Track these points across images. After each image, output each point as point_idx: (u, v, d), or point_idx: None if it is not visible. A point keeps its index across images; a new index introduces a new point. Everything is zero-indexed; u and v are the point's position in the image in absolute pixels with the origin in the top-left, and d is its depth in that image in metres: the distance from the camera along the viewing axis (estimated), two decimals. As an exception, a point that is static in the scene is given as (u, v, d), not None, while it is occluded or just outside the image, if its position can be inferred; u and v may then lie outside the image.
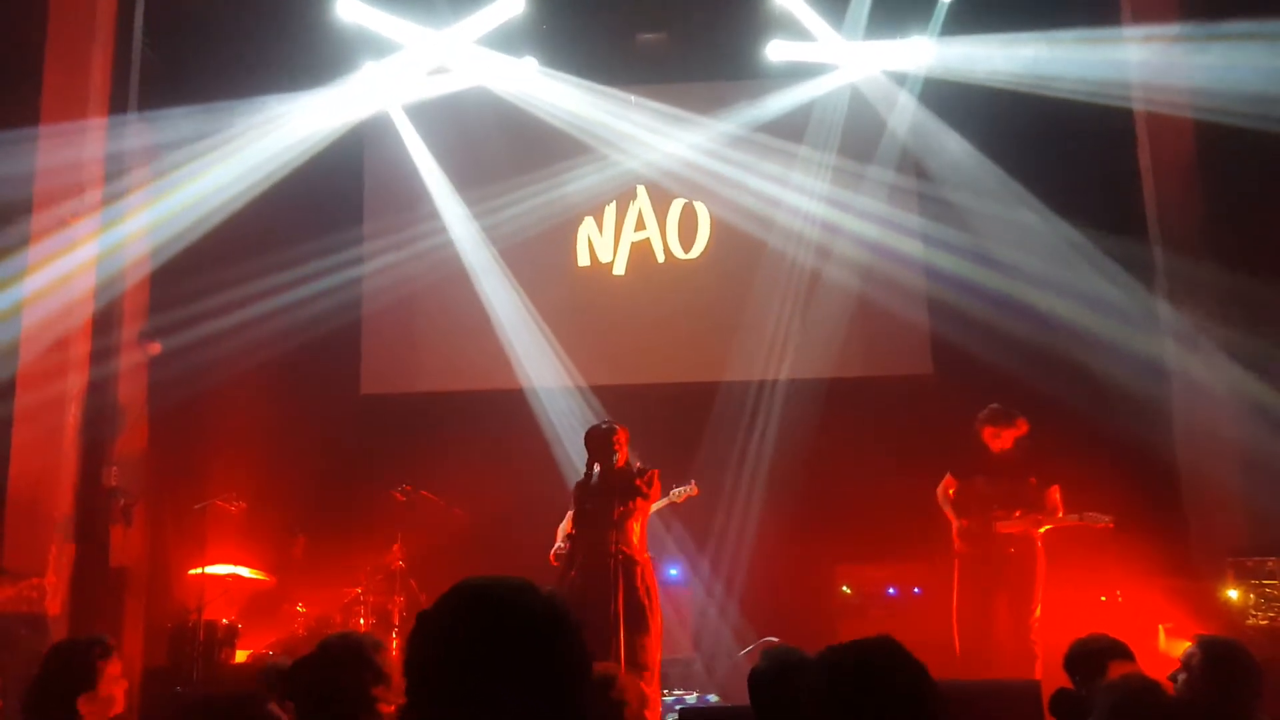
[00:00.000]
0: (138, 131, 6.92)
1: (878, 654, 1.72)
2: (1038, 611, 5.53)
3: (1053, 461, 5.79)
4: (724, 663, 6.69)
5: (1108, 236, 6.83)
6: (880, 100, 7.75)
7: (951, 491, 5.91)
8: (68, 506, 6.45)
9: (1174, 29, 6.47)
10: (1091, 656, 2.99)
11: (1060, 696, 2.93)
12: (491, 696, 1.25)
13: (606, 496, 5.15)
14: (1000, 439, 5.72)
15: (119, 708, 2.97)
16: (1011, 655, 5.46)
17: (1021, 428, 5.71)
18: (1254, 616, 5.32)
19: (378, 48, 7.53)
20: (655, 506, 5.63)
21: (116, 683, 2.94)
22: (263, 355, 7.15)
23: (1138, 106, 6.85)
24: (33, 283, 6.35)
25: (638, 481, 5.23)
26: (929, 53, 7.43)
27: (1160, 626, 5.47)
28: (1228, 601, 5.46)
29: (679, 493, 5.93)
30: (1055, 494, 5.71)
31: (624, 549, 5.07)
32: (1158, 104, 6.66)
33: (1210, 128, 6.23)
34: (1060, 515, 5.61)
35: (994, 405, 5.83)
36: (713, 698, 6.26)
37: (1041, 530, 5.63)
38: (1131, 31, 6.83)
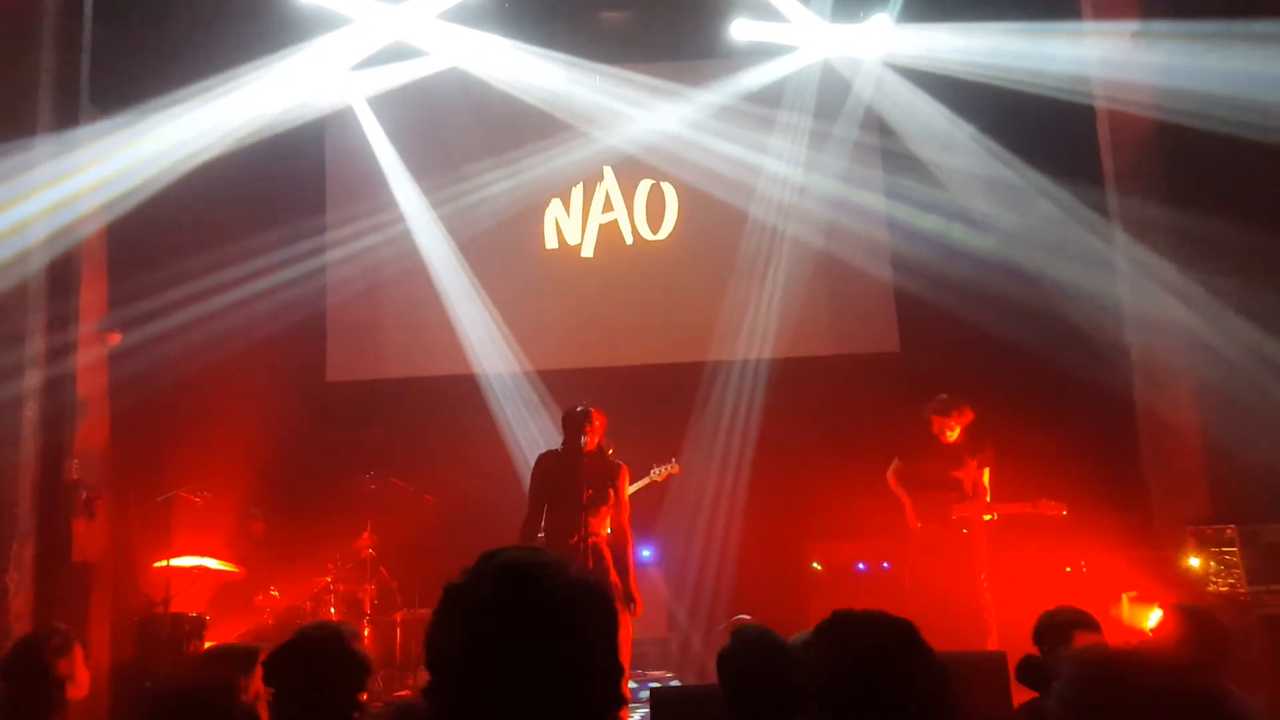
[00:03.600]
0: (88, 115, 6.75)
1: (871, 627, 1.72)
2: (986, 586, 5.65)
3: (995, 448, 5.93)
4: (697, 641, 6.75)
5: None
6: (844, 66, 7.76)
7: (900, 474, 6.05)
8: (28, 501, 6.31)
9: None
10: (1058, 628, 3.05)
11: (1026, 664, 2.99)
12: (526, 675, 1.20)
13: (575, 480, 5.12)
14: (947, 428, 5.85)
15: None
16: (965, 627, 5.56)
17: (968, 416, 5.85)
18: (1214, 583, 5.45)
19: (337, 24, 7.39)
20: (635, 487, 5.62)
21: (73, 679, 2.92)
22: (226, 347, 7.05)
23: (1100, 104, 6.89)
24: None
25: (611, 478, 5.18)
26: (890, 37, 7.45)
27: (1124, 595, 5.59)
28: (1189, 569, 5.58)
29: (660, 471, 5.92)
30: (984, 478, 5.88)
31: (591, 536, 5.04)
32: (1119, 99, 6.69)
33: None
34: (1014, 503, 5.80)
35: (942, 396, 5.95)
36: (674, 680, 6.29)
37: (987, 519, 5.77)
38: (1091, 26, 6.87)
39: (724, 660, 2.54)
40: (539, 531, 5.26)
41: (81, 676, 2.94)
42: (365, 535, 6.58)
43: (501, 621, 1.22)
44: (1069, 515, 5.74)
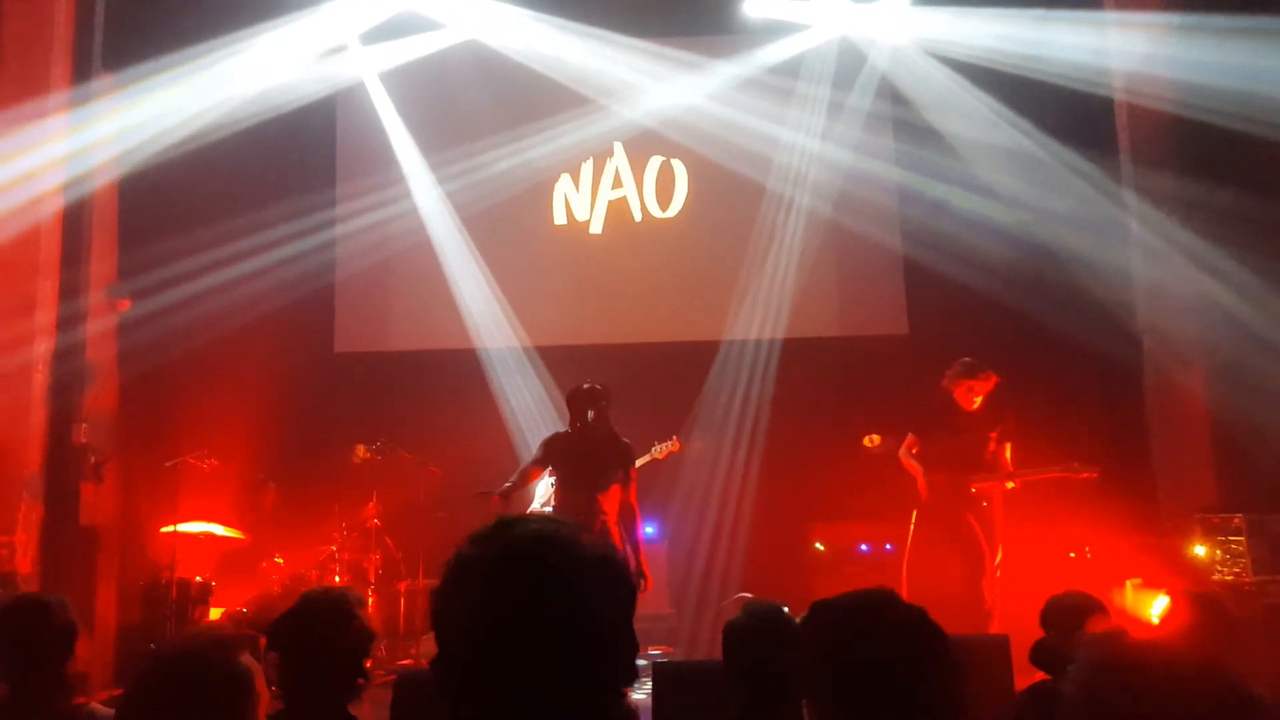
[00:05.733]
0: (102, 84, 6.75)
1: (870, 605, 1.70)
2: (998, 567, 5.59)
3: (1016, 419, 5.83)
4: (699, 619, 6.77)
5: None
6: (860, 40, 7.67)
7: (915, 450, 5.95)
8: (37, 464, 6.36)
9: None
10: (1068, 612, 3.03)
11: (1041, 646, 2.98)
12: (538, 650, 1.16)
13: (588, 458, 5.12)
14: (973, 392, 5.73)
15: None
16: (964, 610, 5.53)
17: (992, 380, 5.73)
18: (1220, 572, 5.43)
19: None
20: (638, 463, 5.62)
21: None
22: (235, 316, 7.05)
23: (1120, 97, 6.81)
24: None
25: (622, 457, 5.18)
26: (906, 18, 7.36)
27: (1128, 582, 5.57)
28: (1195, 557, 5.57)
29: (661, 449, 5.91)
30: (1006, 453, 5.77)
31: (601, 514, 5.04)
32: (1138, 91, 6.61)
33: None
34: (1040, 467, 5.65)
35: (965, 359, 5.81)
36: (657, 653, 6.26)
37: (1009, 486, 5.67)
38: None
39: (730, 633, 2.52)
40: (517, 490, 5.28)
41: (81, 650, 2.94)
42: (371, 505, 6.61)
43: (514, 595, 1.17)
44: (1076, 499, 5.68)
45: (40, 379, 6.41)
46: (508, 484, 5.33)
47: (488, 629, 1.17)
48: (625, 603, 1.24)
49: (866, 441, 6.67)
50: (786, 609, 2.57)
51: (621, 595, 1.23)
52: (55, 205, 6.54)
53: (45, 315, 6.45)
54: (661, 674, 3.70)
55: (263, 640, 2.72)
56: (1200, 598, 3.07)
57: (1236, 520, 5.46)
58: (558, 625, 1.17)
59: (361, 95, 7.80)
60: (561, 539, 1.22)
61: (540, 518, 1.28)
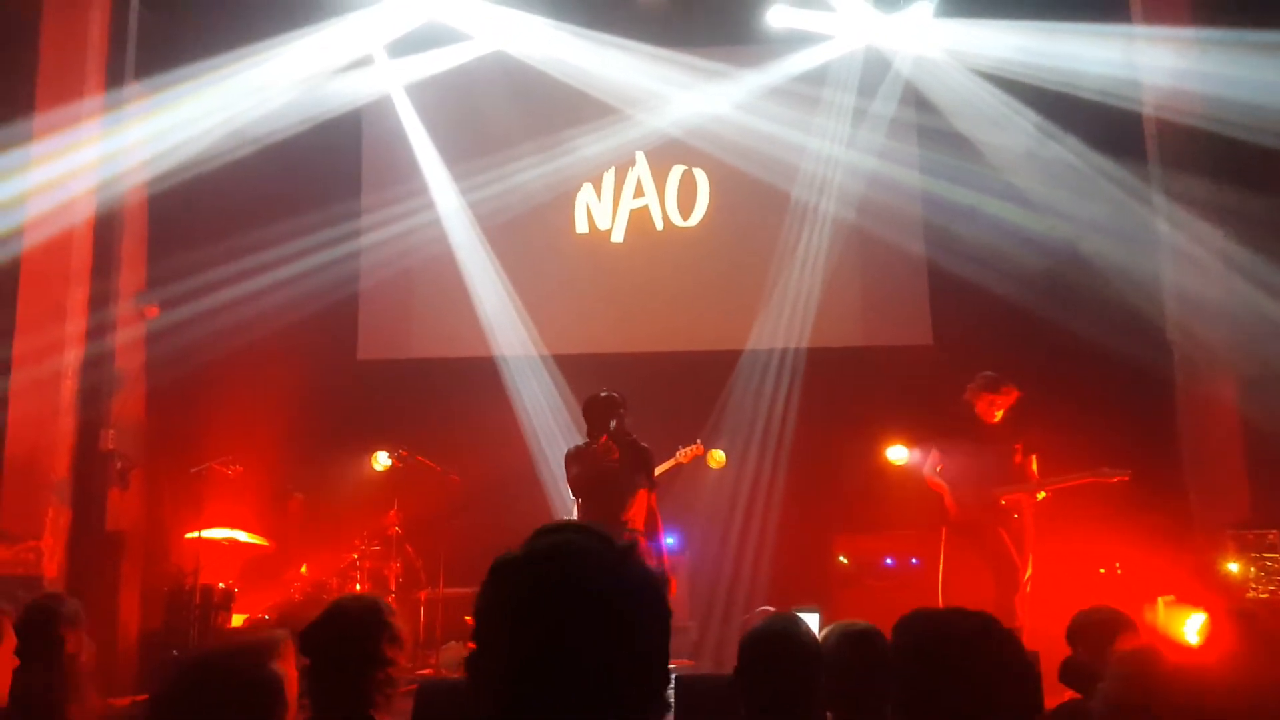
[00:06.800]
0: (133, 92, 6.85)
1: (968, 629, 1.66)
2: (1029, 581, 5.51)
3: (1039, 431, 5.76)
4: (724, 631, 6.71)
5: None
6: (884, 48, 7.63)
7: (940, 467, 5.89)
8: (64, 470, 6.43)
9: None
10: (1096, 627, 2.98)
11: (1070, 664, 2.93)
12: (563, 664, 1.12)
13: (607, 469, 5.10)
14: (994, 406, 5.68)
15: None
16: None
17: (1014, 394, 5.68)
18: (1254, 589, 5.33)
19: (376, 4, 7.40)
20: (661, 469, 5.60)
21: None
22: (261, 325, 7.11)
23: (1148, 112, 6.73)
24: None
25: (643, 464, 5.16)
26: (929, 30, 7.32)
27: (1160, 599, 5.47)
28: (1228, 574, 5.46)
29: (685, 452, 5.89)
30: (1032, 465, 5.69)
31: (630, 524, 5.02)
32: (1168, 106, 6.53)
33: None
34: (1069, 474, 5.56)
35: (987, 373, 5.77)
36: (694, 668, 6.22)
37: (1040, 497, 5.59)
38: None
39: (746, 645, 2.48)
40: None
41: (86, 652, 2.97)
42: (392, 513, 6.62)
43: (540, 606, 1.14)
44: (1105, 514, 5.60)
45: (69, 386, 6.48)
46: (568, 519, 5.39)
47: (509, 635, 1.15)
48: (656, 628, 1.19)
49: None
50: (817, 614, 2.53)
51: (651, 619, 1.18)
52: (87, 215, 6.63)
53: (75, 323, 6.53)
54: (683, 686, 3.67)
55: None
56: (1244, 615, 3.00)
57: (1271, 536, 5.37)
58: (579, 641, 1.13)
59: (387, 107, 7.86)
60: (595, 554, 1.18)
61: (585, 529, 1.23)
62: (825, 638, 2.53)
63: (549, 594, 1.15)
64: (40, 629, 2.94)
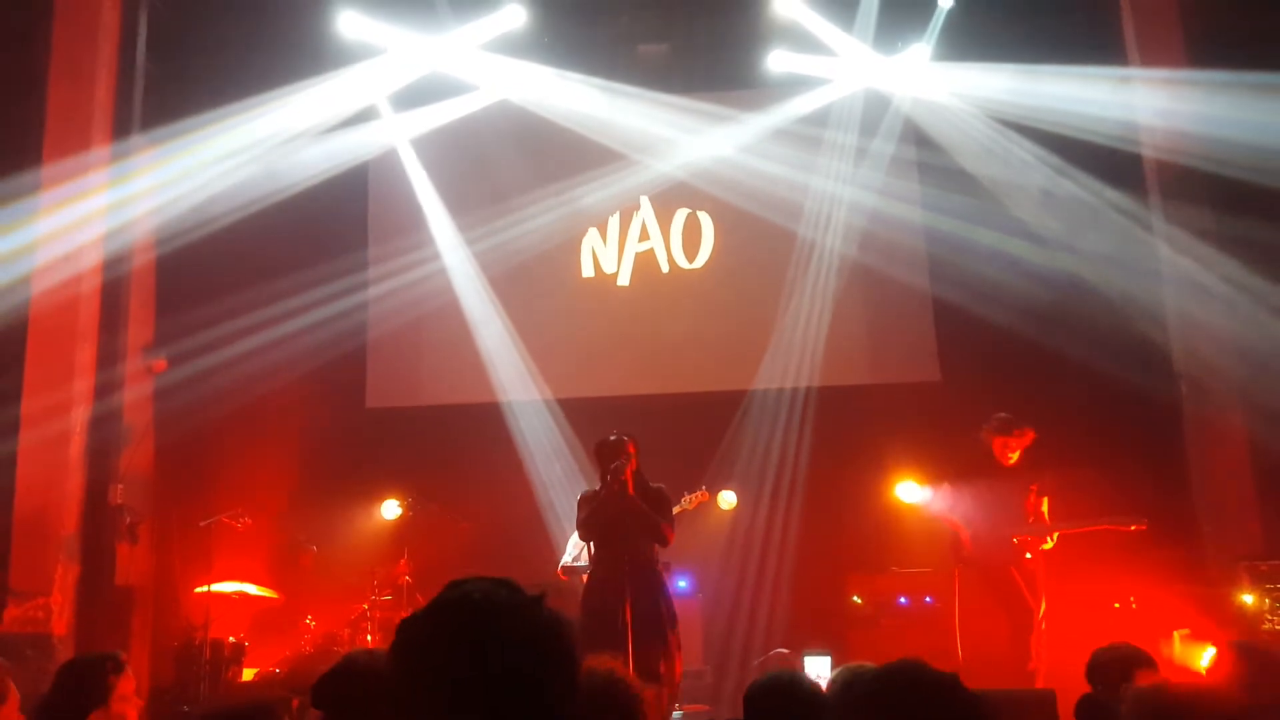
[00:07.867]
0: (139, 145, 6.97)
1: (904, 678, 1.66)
2: (1043, 619, 5.44)
3: (1053, 471, 5.74)
4: (741, 675, 6.63)
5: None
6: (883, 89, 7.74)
7: (954, 506, 5.83)
8: (73, 525, 6.43)
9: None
10: (1115, 664, 2.95)
11: (1087, 702, 2.90)
12: (460, 712, 1.17)
13: (620, 512, 5.08)
14: (1008, 448, 5.66)
15: None
16: (1013, 665, 5.38)
17: (1029, 436, 5.66)
18: (1269, 621, 5.27)
19: (378, 57, 7.54)
20: None
21: (128, 701, 2.90)
22: (269, 379, 7.13)
23: (1147, 153, 6.80)
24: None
25: (657, 504, 5.15)
26: (927, 73, 7.43)
27: (1175, 633, 5.41)
28: (1243, 607, 5.40)
29: (690, 499, 5.87)
30: (1044, 507, 5.64)
31: (635, 561, 5.00)
32: (1166, 147, 6.60)
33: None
34: (1085, 519, 5.53)
35: (1001, 415, 5.74)
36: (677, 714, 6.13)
37: (1048, 546, 5.54)
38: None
39: (751, 698, 2.48)
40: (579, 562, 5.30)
41: (130, 708, 2.93)
42: (402, 562, 6.59)
43: (438, 654, 1.19)
44: (1119, 549, 5.55)
45: (78, 442, 6.51)
46: (569, 560, 5.59)
47: (410, 688, 1.21)
48: (567, 680, 1.21)
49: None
50: (829, 658, 2.51)
51: (563, 674, 1.21)
52: (94, 269, 6.70)
53: (84, 381, 6.57)
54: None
55: (295, 701, 2.70)
56: (1246, 648, 2.98)
57: (1285, 567, 5.31)
58: (492, 699, 1.16)
59: (393, 159, 7.96)
60: (507, 608, 1.22)
61: (491, 582, 1.27)
62: (833, 681, 2.52)
63: (446, 643, 1.19)
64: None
